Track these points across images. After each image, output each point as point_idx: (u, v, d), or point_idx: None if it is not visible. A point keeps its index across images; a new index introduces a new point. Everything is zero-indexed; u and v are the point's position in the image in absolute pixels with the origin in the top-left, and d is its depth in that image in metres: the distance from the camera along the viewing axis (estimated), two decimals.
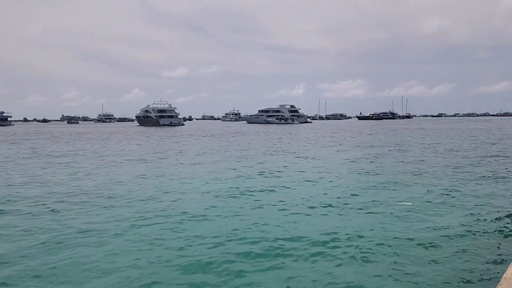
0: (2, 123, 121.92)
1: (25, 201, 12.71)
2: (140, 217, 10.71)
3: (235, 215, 10.92)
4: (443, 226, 9.71)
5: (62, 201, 12.72)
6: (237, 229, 9.50)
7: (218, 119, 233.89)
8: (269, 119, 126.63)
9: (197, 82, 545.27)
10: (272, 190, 14.36)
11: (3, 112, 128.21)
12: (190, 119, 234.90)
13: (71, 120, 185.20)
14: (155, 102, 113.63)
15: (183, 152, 30.00)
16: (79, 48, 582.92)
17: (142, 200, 12.85)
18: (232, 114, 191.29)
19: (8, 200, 12.98)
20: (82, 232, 9.38)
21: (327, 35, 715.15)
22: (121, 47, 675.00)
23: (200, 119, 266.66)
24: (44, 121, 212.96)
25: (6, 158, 26.47)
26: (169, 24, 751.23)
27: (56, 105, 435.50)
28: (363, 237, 8.91)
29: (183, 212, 11.21)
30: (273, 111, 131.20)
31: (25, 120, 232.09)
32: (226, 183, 16.01)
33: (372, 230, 9.39)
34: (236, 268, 7.25)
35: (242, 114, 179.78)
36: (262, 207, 11.75)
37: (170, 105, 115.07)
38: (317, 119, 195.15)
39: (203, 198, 13.17)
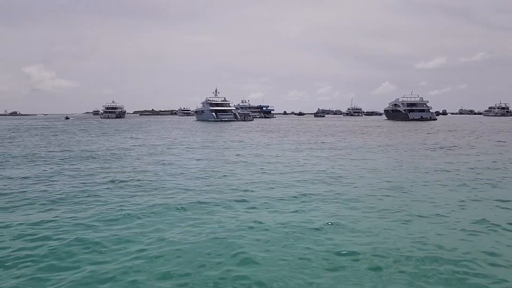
0: (267, 115, 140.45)
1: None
2: None
3: None
4: None
5: None
6: None
7: (479, 113, 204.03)
8: None
9: (455, 72, 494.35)
10: None
11: (268, 106, 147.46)
12: (444, 113, 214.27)
13: (318, 114, 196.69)
14: (405, 96, 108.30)
15: None
16: (332, 44, 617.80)
17: None
18: (498, 108, 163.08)
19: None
20: None
21: None
22: (372, 40, 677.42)
23: (456, 113, 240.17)
24: (300, 114, 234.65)
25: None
26: (424, 12, 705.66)
27: (312, 99, 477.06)
28: None
29: None
30: None
31: (285, 113, 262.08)
32: None
33: None
34: None
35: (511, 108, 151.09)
36: None
37: (421, 98, 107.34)
38: None
39: None
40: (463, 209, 10.83)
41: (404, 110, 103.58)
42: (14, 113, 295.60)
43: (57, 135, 45.15)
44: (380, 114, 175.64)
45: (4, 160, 21.39)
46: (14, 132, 51.81)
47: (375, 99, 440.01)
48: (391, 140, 36.24)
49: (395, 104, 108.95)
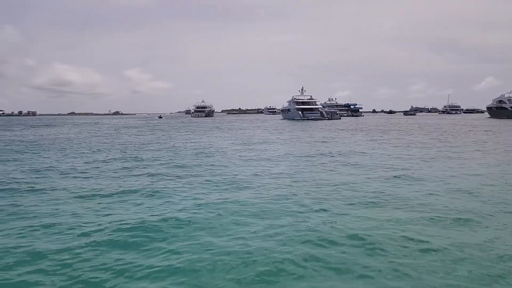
0: (354, 114, 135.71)
1: None
2: None
3: None
4: None
5: None
6: None
7: None
8: None
9: None
10: None
11: (356, 104, 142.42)
12: None
13: (408, 112, 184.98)
14: None
15: None
16: (428, 38, 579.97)
17: None
18: None
19: None
20: None
21: None
22: (474, 31, 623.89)
23: None
24: (390, 112, 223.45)
25: None
26: None
27: (403, 96, 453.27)
28: None
29: None
30: None
31: (374, 111, 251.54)
32: None
33: None
34: None
35: None
36: None
37: None
38: None
39: None
40: None
41: (511, 107, 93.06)
42: (116, 113, 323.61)
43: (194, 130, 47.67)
44: (482, 112, 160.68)
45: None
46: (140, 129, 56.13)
47: (476, 96, 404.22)
48: None
49: (500, 101, 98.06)
